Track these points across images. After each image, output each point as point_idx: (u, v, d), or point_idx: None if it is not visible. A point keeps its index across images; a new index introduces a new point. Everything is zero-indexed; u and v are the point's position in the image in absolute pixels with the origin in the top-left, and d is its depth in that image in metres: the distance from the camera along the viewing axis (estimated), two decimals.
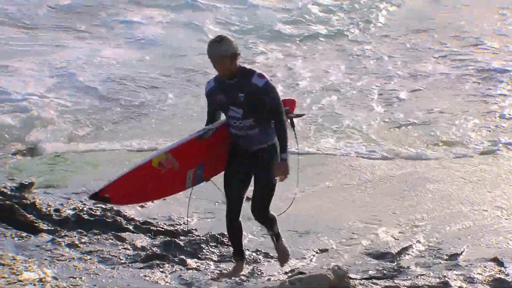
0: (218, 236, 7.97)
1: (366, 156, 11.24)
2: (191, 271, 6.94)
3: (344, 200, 9.66)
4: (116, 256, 7.08)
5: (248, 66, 6.47)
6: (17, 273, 6.13)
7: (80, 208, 8.47)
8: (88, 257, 6.94)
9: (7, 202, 7.98)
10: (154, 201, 8.61)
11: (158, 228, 8.27)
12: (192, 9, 20.67)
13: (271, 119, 6.45)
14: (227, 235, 7.06)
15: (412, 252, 7.93)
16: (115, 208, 8.58)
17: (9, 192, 8.47)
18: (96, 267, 6.67)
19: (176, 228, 8.38)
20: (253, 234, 8.37)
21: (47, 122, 12.68)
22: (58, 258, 6.72)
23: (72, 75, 15.20)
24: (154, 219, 8.61)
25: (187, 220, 8.45)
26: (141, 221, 8.38)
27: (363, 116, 13.09)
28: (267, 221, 6.78)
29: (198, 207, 8.96)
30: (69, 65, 15.90)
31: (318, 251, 8.12)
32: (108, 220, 8.14)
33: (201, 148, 6.53)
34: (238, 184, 6.64)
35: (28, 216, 7.87)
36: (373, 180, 10.29)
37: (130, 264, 6.91)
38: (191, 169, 6.56)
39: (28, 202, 8.21)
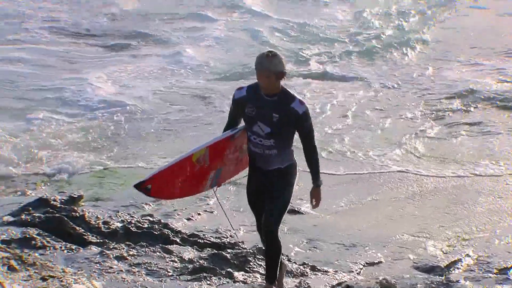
0: None
1: (414, 170, 11.13)
2: (238, 283, 6.95)
3: (392, 213, 9.59)
4: (163, 269, 7.12)
5: (290, 90, 6.43)
6: (67, 285, 6.21)
7: (128, 220, 8.54)
8: (136, 269, 6.99)
9: (57, 214, 8.09)
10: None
11: (205, 240, 8.29)
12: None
13: (291, 145, 6.44)
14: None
15: (461, 266, 7.84)
16: (162, 221, 8.65)
17: (58, 205, 8.57)
18: (144, 279, 6.72)
19: (223, 240, 8.39)
20: (299, 247, 8.35)
21: (97, 137, 12.79)
22: (106, 270, 6.79)
23: (126, 88, 15.29)
24: (201, 231, 8.64)
25: (234, 233, 8.47)
26: (188, 234, 8.41)
27: (411, 130, 12.95)
28: (274, 242, 6.41)
29: (244, 220, 8.97)
30: (126, 76, 15.99)
31: (365, 264, 8.08)
32: (155, 232, 8.19)
33: (228, 148, 6.56)
34: (259, 202, 6.58)
35: (77, 228, 7.95)
36: (421, 194, 10.20)
37: (177, 277, 6.94)
38: (213, 170, 6.59)
39: (77, 215, 8.29)
